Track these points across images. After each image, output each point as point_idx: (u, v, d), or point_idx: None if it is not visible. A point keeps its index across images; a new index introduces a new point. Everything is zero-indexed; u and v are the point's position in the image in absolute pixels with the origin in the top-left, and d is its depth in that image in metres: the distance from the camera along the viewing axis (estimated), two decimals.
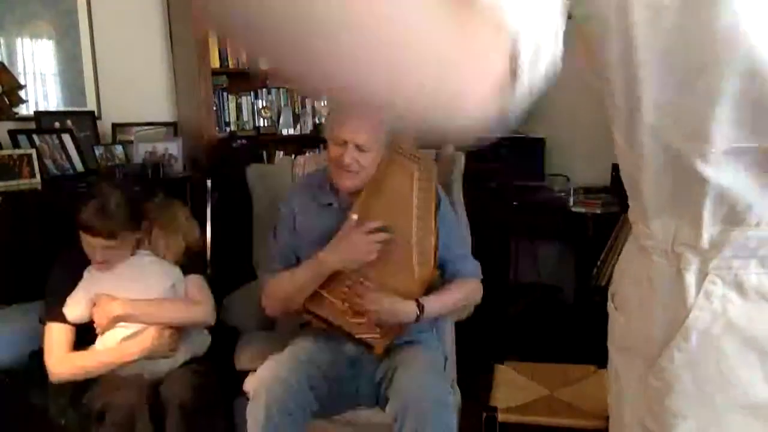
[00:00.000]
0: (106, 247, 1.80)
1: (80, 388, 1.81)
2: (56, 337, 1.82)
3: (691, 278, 0.62)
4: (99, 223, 1.77)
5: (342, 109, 1.75)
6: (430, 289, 1.77)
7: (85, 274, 1.86)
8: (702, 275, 0.61)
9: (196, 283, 1.99)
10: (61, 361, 1.81)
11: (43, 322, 1.86)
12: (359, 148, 1.74)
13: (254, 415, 1.57)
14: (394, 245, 1.73)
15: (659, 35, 0.55)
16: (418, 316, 1.70)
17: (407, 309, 1.70)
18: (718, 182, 0.58)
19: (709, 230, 0.60)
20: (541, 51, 0.42)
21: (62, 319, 1.82)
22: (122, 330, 1.84)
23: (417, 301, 1.71)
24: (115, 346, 1.84)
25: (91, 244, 1.80)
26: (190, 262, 2.02)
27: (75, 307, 1.82)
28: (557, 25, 0.45)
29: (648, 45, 0.55)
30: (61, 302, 1.83)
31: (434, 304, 1.74)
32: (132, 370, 1.83)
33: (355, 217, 1.73)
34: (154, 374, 1.85)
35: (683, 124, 0.58)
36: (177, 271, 1.96)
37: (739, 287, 0.60)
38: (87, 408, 1.76)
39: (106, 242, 1.79)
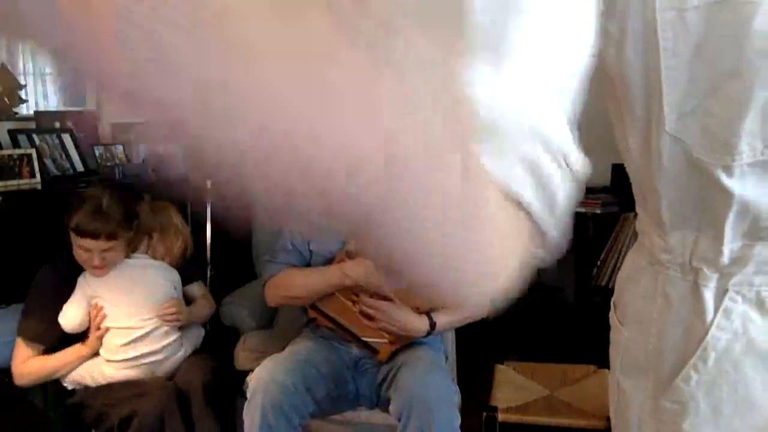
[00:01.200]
0: (106, 249, 1.79)
1: (89, 395, 1.81)
2: (19, 354, 1.82)
3: (709, 295, 0.59)
4: (99, 225, 1.75)
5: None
6: None
7: (80, 280, 1.84)
8: (721, 292, 0.58)
9: (202, 288, 2.12)
10: (20, 373, 1.82)
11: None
12: None
13: (250, 416, 1.57)
14: None
15: (686, 37, 0.52)
16: (428, 332, 1.70)
17: (419, 325, 1.70)
18: (742, 196, 0.55)
19: (730, 245, 0.57)
20: (559, 187, 0.37)
21: (30, 337, 1.82)
22: (120, 338, 1.82)
23: (429, 316, 1.70)
24: (78, 349, 1.83)
25: (89, 248, 1.78)
26: (190, 269, 2.05)
27: (73, 315, 1.81)
28: (571, 139, 0.38)
29: (674, 48, 0.52)
30: (35, 321, 1.82)
31: (445, 319, 1.74)
32: (143, 372, 1.83)
33: None
34: (165, 372, 1.87)
35: (708, 133, 0.55)
36: (176, 273, 1.97)
37: (761, 305, 0.57)
38: (103, 415, 1.74)
39: (106, 244, 1.78)
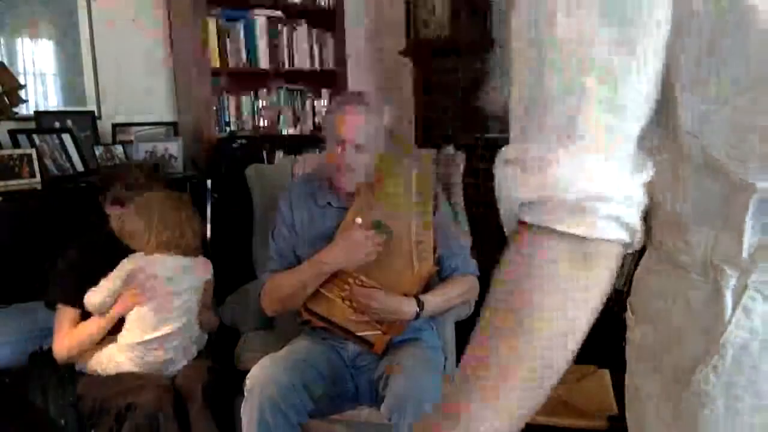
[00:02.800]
0: None
1: (88, 388, 1.82)
2: (63, 322, 1.84)
3: (728, 293, 0.58)
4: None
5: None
6: (428, 286, 1.78)
7: (125, 262, 1.85)
8: (740, 290, 0.57)
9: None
10: (60, 348, 1.84)
11: (51, 305, 1.86)
12: (358, 148, 1.74)
13: (248, 414, 1.57)
14: (393, 242, 1.74)
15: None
16: (418, 313, 1.70)
17: (407, 306, 1.70)
18: (764, 187, 0.54)
19: (749, 240, 0.56)
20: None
21: (72, 302, 1.84)
22: (144, 343, 1.84)
23: (417, 298, 1.71)
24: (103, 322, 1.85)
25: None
26: None
27: (103, 293, 1.82)
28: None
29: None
30: (75, 285, 1.83)
31: (433, 300, 1.74)
32: (153, 369, 1.84)
33: (359, 220, 1.73)
34: (172, 373, 1.88)
35: (723, 131, 0.53)
36: (210, 265, 2.06)
37: None
38: (100, 409, 1.75)
39: None
